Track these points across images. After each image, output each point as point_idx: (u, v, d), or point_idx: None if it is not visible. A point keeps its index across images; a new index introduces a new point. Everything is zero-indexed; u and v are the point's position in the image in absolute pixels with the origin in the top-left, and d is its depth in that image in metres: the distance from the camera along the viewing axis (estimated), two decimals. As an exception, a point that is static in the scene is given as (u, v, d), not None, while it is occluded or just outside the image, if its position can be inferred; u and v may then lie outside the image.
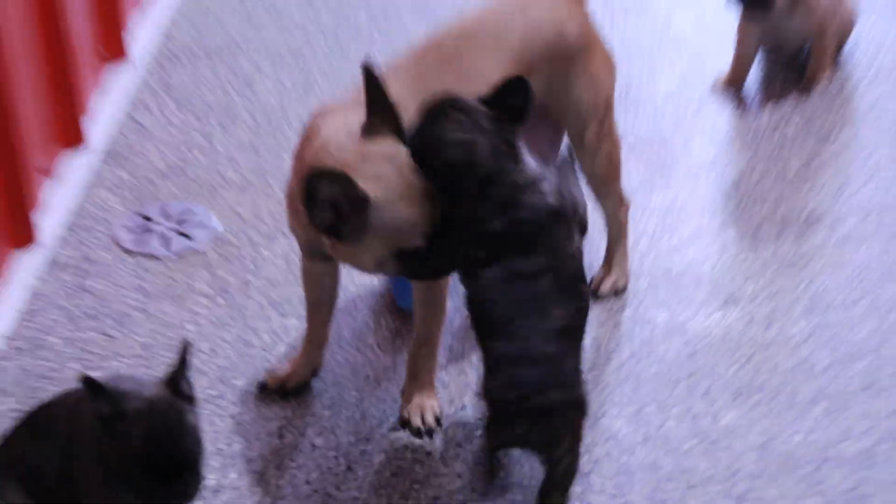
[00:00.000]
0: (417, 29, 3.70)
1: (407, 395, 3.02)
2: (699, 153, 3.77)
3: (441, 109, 2.69)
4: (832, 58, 4.04)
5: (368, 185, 2.56)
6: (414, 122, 2.71)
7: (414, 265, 2.69)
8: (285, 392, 3.07)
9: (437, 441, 2.98)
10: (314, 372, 3.10)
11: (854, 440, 2.92)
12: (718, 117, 3.93)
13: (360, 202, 2.56)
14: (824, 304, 3.30)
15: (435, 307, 2.94)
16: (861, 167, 3.72)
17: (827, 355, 3.16)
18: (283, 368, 3.09)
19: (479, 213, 2.65)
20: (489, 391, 2.79)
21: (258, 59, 4.15)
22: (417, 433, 2.99)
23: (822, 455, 2.89)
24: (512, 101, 2.71)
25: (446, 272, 2.79)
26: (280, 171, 3.68)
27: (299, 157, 2.76)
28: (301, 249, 2.95)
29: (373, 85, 2.63)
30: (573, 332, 2.77)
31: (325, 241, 2.68)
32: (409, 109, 2.77)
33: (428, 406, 2.99)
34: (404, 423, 3.01)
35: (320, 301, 3.02)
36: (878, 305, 3.29)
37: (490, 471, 2.93)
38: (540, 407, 2.73)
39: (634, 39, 4.24)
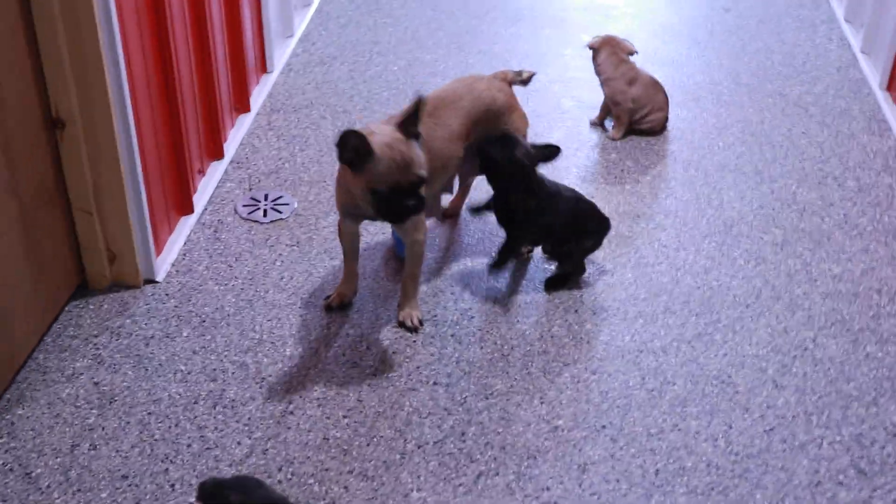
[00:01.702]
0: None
1: (401, 307, 3.04)
2: (576, 172, 3.76)
3: (508, 138, 2.99)
4: (626, 124, 3.97)
5: (377, 148, 2.62)
6: (492, 140, 2.97)
7: (381, 203, 2.67)
8: (339, 305, 3.07)
9: (420, 335, 2.99)
10: (354, 293, 3.09)
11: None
12: (589, 154, 3.92)
13: (367, 151, 2.61)
14: (643, 263, 3.30)
15: (419, 255, 2.96)
16: (665, 186, 3.72)
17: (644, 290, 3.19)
18: (337, 290, 3.08)
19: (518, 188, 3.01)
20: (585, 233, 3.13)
21: (322, 111, 4.13)
22: (408, 330, 3.00)
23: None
24: (547, 152, 3.03)
25: (396, 217, 2.78)
26: (330, 178, 3.65)
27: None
28: (341, 215, 2.93)
29: (417, 108, 2.69)
30: None
31: (347, 176, 2.70)
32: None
33: (414, 314, 3.02)
34: (401, 324, 3.02)
35: (352, 249, 3.02)
36: (685, 255, 3.32)
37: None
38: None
39: (541, 107, 4.22)
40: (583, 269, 3.20)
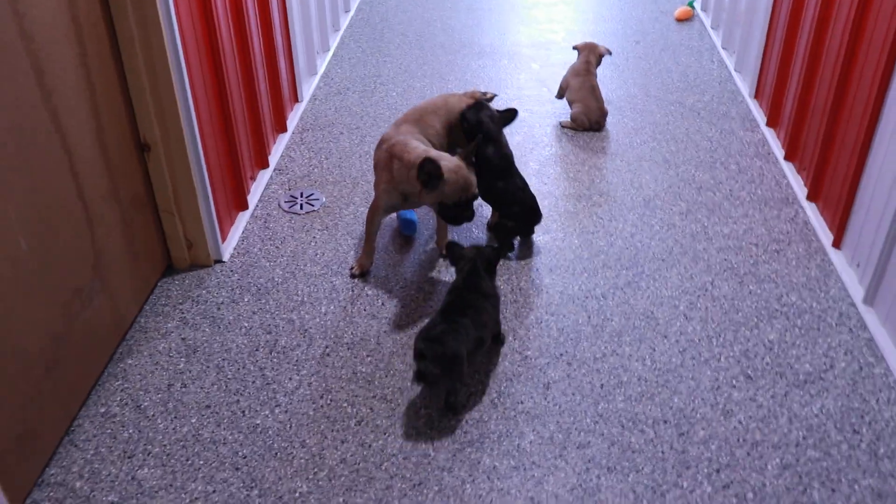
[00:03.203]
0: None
1: (441, 243, 3.08)
2: (533, 165, 3.67)
3: (479, 104, 2.95)
4: (560, 90, 4.06)
5: (446, 173, 2.64)
6: (468, 107, 2.94)
7: (445, 212, 2.72)
8: (360, 273, 3.00)
9: (421, 293, 2.91)
10: (371, 263, 3.03)
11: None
12: (542, 151, 3.82)
13: (440, 176, 2.62)
14: (585, 231, 3.24)
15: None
16: (599, 174, 3.64)
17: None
18: (359, 262, 3.02)
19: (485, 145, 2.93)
20: (508, 215, 2.97)
21: (341, 129, 4.04)
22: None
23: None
24: (507, 115, 2.99)
25: (456, 222, 2.75)
26: (349, 178, 3.59)
27: (389, 152, 2.75)
28: (383, 210, 2.87)
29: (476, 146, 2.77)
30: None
31: (417, 191, 2.68)
32: (413, 133, 2.85)
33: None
34: (444, 255, 3.04)
35: (376, 232, 2.97)
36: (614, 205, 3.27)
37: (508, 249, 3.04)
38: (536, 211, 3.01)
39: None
40: (510, 247, 3.08)
